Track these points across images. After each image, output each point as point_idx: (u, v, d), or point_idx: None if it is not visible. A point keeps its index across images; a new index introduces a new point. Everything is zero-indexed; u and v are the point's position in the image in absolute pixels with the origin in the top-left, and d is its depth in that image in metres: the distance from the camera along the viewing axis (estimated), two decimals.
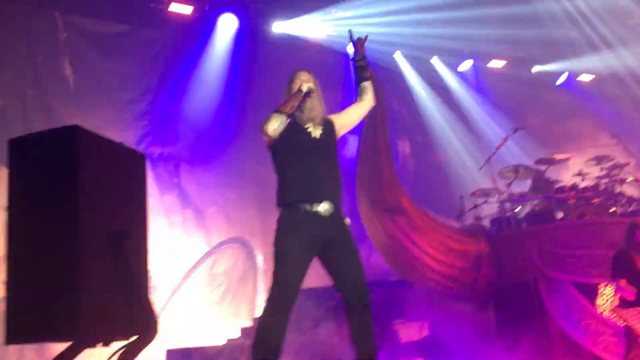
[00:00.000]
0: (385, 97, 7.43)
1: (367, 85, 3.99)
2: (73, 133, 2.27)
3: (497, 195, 8.38)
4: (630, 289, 5.64)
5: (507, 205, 8.21)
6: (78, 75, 8.68)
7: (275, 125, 3.60)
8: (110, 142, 2.50)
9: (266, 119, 3.63)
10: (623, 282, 5.71)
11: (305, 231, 3.54)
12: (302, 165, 3.64)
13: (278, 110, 3.64)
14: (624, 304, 5.75)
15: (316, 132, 3.74)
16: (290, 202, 3.60)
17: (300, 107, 3.72)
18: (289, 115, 3.65)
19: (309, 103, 3.75)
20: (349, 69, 10.10)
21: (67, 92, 8.60)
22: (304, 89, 3.71)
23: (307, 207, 3.56)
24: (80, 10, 8.84)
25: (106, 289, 2.32)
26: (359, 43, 4.02)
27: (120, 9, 9.00)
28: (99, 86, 8.88)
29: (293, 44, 10.22)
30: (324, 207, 3.58)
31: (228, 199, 9.71)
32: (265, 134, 3.62)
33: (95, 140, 2.40)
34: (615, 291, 5.84)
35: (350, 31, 4.19)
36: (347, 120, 3.98)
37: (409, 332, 8.25)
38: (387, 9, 9.87)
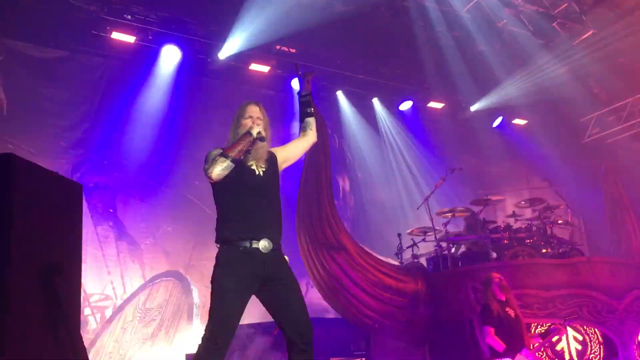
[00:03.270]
0: (327, 134, 7.49)
1: (311, 120, 4.00)
2: (8, 161, 2.18)
3: (434, 234, 8.50)
4: (499, 341, 5.88)
5: (444, 244, 8.33)
6: (12, 100, 8.42)
7: (219, 170, 3.53)
8: (46, 172, 2.40)
9: (211, 162, 3.54)
10: (492, 331, 5.93)
11: (244, 268, 3.49)
12: (243, 202, 3.59)
13: (224, 155, 3.56)
14: (493, 353, 5.95)
15: (259, 169, 3.70)
16: (229, 239, 3.54)
17: (247, 151, 3.66)
18: (235, 161, 3.59)
19: (257, 144, 3.70)
20: (292, 103, 10.17)
21: (0, 118, 8.32)
22: (254, 133, 3.65)
23: (247, 244, 3.51)
24: (19, 34, 8.63)
25: (36, 327, 2.20)
26: (305, 77, 4.03)
27: (61, 34, 8.85)
28: (34, 112, 8.64)
29: (237, 76, 10.23)
30: (263, 244, 3.53)
31: (164, 232, 9.52)
32: (209, 177, 3.55)
33: (31, 170, 2.30)
34: (485, 338, 6.05)
35: (296, 65, 4.20)
36: (289, 154, 3.95)
37: None
38: (330, 47, 10.02)
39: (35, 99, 8.68)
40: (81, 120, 9.03)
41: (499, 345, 5.87)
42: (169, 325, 9.23)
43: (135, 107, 9.37)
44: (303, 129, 3.99)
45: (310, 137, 4.01)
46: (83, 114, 9.06)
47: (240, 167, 3.60)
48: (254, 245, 3.51)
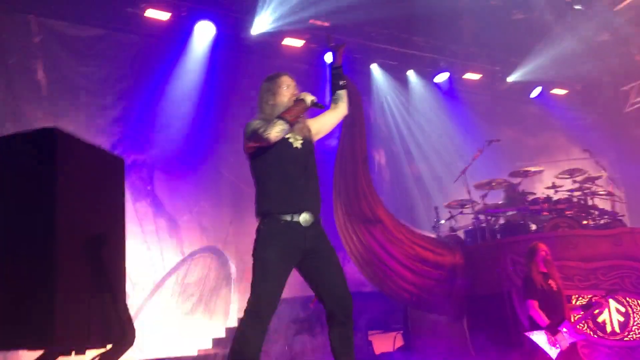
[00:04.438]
0: (363, 107, 7.43)
1: (342, 93, 3.95)
2: (51, 135, 2.20)
3: (472, 207, 8.43)
4: (542, 315, 5.76)
5: (482, 216, 8.25)
6: (51, 79, 8.54)
7: (278, 131, 3.52)
8: (89, 146, 2.42)
9: (268, 125, 3.53)
10: (535, 304, 5.82)
11: (285, 241, 3.50)
12: (282, 175, 3.59)
13: (283, 118, 3.56)
14: (533, 325, 5.84)
15: (297, 142, 3.69)
16: (270, 212, 3.55)
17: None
18: (291, 125, 3.60)
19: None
20: (326, 76, 10.10)
21: (39, 97, 8.45)
22: (308, 101, 3.66)
23: (288, 217, 3.52)
24: (56, 14, 8.72)
25: (81, 296, 2.24)
26: (336, 50, 3.98)
27: (96, 12, 8.90)
28: (72, 91, 8.75)
29: (271, 51, 10.20)
30: (304, 218, 3.54)
31: (202, 208, 9.62)
32: (266, 139, 3.51)
33: (73, 143, 2.32)
34: (529, 311, 5.94)
35: (328, 36, 4.16)
36: (321, 127, 3.92)
37: (384, 343, 8.24)
38: (364, 19, 9.90)
39: (73, 77, 8.78)
40: (118, 98, 9.12)
41: (543, 320, 5.78)
42: (207, 300, 9.37)
43: (170, 84, 9.42)
44: (334, 101, 3.96)
45: (341, 110, 3.97)
46: (120, 92, 9.14)
47: (279, 140, 3.59)
48: (295, 219, 3.52)
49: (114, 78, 9.14)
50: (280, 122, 3.55)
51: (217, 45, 9.70)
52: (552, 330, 5.70)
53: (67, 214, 2.15)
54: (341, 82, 3.95)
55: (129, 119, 9.10)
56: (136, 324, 2.53)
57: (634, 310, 7.02)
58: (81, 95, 8.83)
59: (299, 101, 3.67)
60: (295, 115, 3.62)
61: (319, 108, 3.85)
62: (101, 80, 9.01)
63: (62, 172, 2.15)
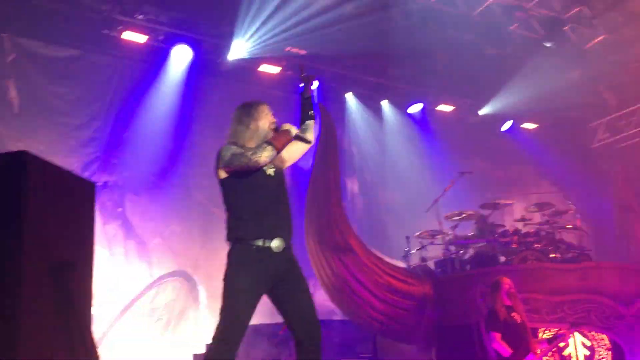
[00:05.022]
0: (337, 136, 7.49)
1: (311, 123, 3.98)
2: (21, 158, 2.19)
3: (442, 237, 8.49)
4: (505, 346, 5.85)
5: (452, 247, 8.32)
6: (23, 99, 8.46)
7: (267, 157, 3.56)
8: (59, 170, 2.41)
9: (257, 149, 3.56)
10: (498, 336, 5.91)
11: (257, 267, 3.50)
12: (255, 202, 3.60)
13: (272, 144, 3.60)
14: (498, 358, 5.92)
15: (269, 170, 3.71)
16: (242, 237, 3.55)
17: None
18: (278, 152, 3.63)
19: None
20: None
21: (11, 116, 8.37)
22: (294, 133, 3.72)
23: (260, 242, 3.52)
24: (30, 33, 8.67)
25: (46, 321, 2.21)
26: (307, 80, 4.01)
27: (71, 33, 8.87)
28: (45, 111, 8.68)
29: (247, 77, 10.25)
30: (275, 244, 3.55)
31: (173, 232, 9.55)
32: (255, 163, 3.52)
33: (43, 167, 2.31)
34: (492, 343, 6.03)
35: (300, 66, 4.20)
36: (290, 155, 3.93)
37: None
38: (340, 49, 10.01)
39: (45, 97, 8.71)
40: (91, 119, 9.06)
41: (505, 350, 5.86)
42: (175, 325, 9.26)
43: (145, 107, 9.40)
44: (302, 130, 3.97)
45: (309, 140, 4.00)
46: (93, 113, 9.09)
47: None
48: (267, 244, 3.53)
49: (87, 99, 9.09)
50: (270, 147, 3.58)
51: (193, 70, 9.71)
52: (517, 359, 5.77)
53: (35, 239, 2.13)
54: (310, 112, 3.97)
55: (102, 141, 9.04)
56: (102, 348, 2.50)
57: (599, 344, 7.11)
58: (54, 116, 8.76)
59: (284, 131, 3.71)
60: (283, 144, 3.67)
61: (304, 142, 3.90)
62: (74, 101, 8.95)
63: (32, 197, 2.14)
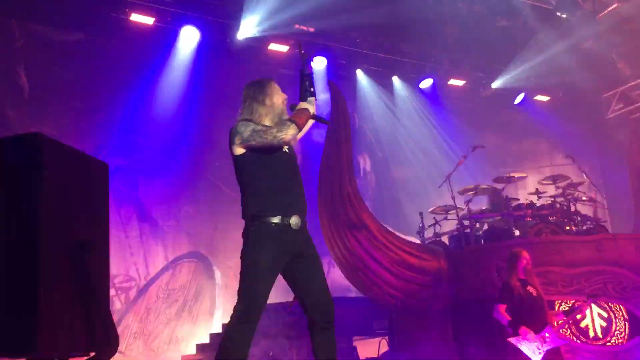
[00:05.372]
0: (348, 113, 7.45)
1: (312, 100, 3.95)
2: (36, 140, 2.18)
3: (456, 212, 8.46)
4: (505, 315, 5.83)
5: (466, 222, 8.29)
6: (34, 83, 8.49)
7: (292, 135, 3.54)
8: (73, 151, 2.41)
9: (282, 127, 3.53)
10: (502, 308, 5.87)
11: (276, 245, 3.49)
12: (273, 178, 3.59)
13: (295, 122, 3.58)
14: (515, 331, 5.88)
15: (284, 147, 3.70)
16: (260, 215, 3.54)
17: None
18: (299, 130, 3.63)
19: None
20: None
21: (22, 101, 8.39)
22: (312, 110, 3.72)
23: (278, 220, 3.52)
24: (38, 18, 8.66)
25: (65, 302, 2.22)
26: (306, 58, 3.97)
27: (80, 17, 8.86)
28: (55, 95, 8.70)
29: (256, 56, 10.20)
30: (294, 221, 3.54)
31: (186, 213, 9.59)
32: (280, 141, 3.50)
33: (58, 149, 2.31)
34: (492, 313, 5.99)
35: (299, 44, 4.17)
36: (300, 133, 3.93)
37: (368, 348, 8.24)
38: (349, 25, 9.93)
39: (56, 82, 8.73)
40: (102, 103, 9.07)
41: (504, 318, 5.82)
42: (191, 306, 9.33)
43: (155, 89, 9.41)
44: None
45: (322, 120, 3.97)
46: (104, 97, 9.10)
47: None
48: (286, 222, 3.52)
49: (97, 83, 9.10)
50: (294, 125, 3.56)
51: (201, 50, 9.68)
52: (513, 328, 5.73)
53: (51, 220, 2.13)
54: (312, 89, 3.94)
55: (114, 124, 9.05)
56: (120, 329, 2.51)
57: (616, 315, 7.08)
58: (64, 100, 8.78)
59: (304, 109, 3.69)
60: (304, 122, 3.66)
61: (321, 122, 3.89)
62: (85, 85, 8.97)
63: (47, 178, 2.14)
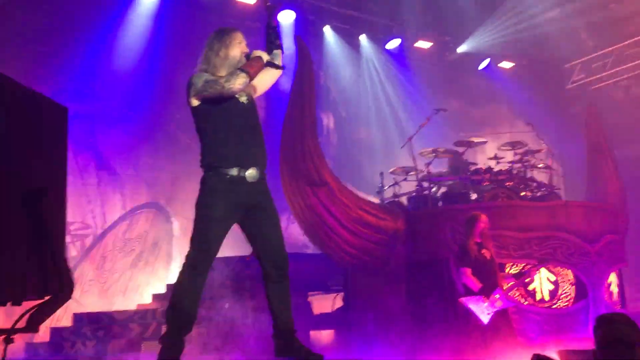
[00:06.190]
0: (313, 71, 7.40)
1: (278, 53, 3.90)
2: None
3: (416, 174, 8.55)
4: (475, 280, 5.98)
5: (425, 184, 8.39)
6: None
7: (241, 84, 3.48)
8: (29, 91, 2.34)
9: (231, 77, 3.48)
10: (468, 271, 6.04)
11: (230, 196, 3.50)
12: (229, 129, 3.57)
13: (244, 70, 3.52)
14: (467, 292, 6.07)
15: (242, 97, 3.67)
16: (216, 165, 3.53)
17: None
18: (251, 79, 3.57)
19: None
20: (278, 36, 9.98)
21: None
22: (265, 59, 3.64)
23: (234, 172, 3.51)
24: None
25: (18, 247, 2.19)
26: (272, 10, 3.92)
27: None
28: (11, 38, 8.38)
29: (221, 7, 10.00)
30: (250, 173, 3.54)
31: (145, 163, 9.48)
32: (228, 90, 3.46)
33: (12, 87, 2.23)
34: (462, 278, 6.16)
35: None
36: (261, 83, 3.87)
37: (323, 304, 8.38)
38: None
39: (12, 25, 8.40)
40: (62, 47, 8.79)
41: (475, 285, 5.99)
42: (148, 256, 9.32)
43: (116, 37, 9.16)
44: (271, 58, 3.89)
45: (278, 70, 3.93)
46: (64, 41, 8.80)
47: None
48: (241, 174, 3.52)
49: (58, 27, 8.80)
50: (243, 74, 3.51)
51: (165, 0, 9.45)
52: (485, 294, 5.91)
53: (4, 163, 2.08)
54: (276, 42, 3.89)
55: (73, 69, 8.79)
56: (75, 277, 2.50)
57: (563, 279, 7.33)
58: (21, 44, 8.48)
59: (256, 58, 3.64)
60: (257, 70, 3.61)
61: (275, 68, 3.83)
62: (44, 29, 8.66)
63: (1, 119, 2.08)
